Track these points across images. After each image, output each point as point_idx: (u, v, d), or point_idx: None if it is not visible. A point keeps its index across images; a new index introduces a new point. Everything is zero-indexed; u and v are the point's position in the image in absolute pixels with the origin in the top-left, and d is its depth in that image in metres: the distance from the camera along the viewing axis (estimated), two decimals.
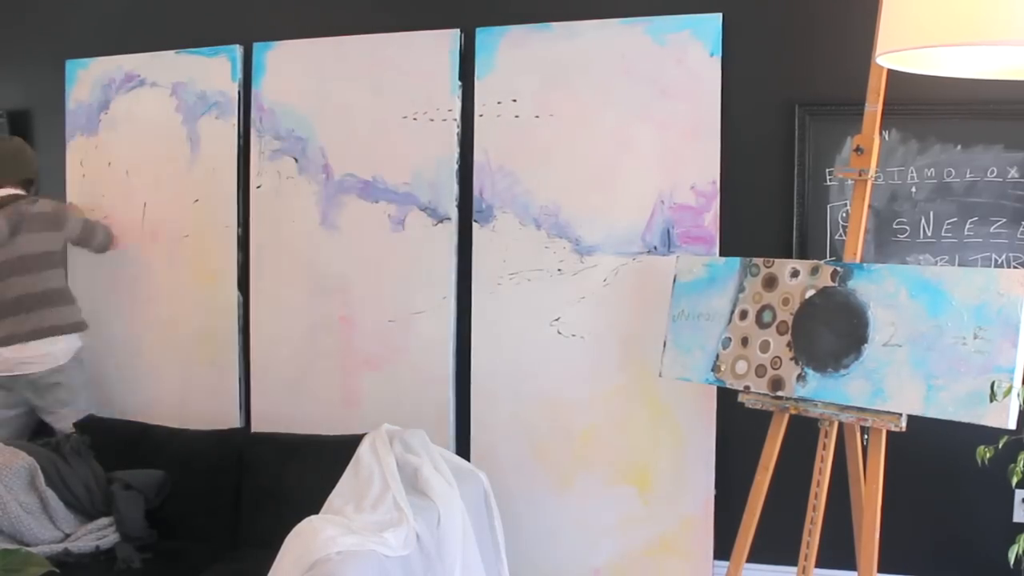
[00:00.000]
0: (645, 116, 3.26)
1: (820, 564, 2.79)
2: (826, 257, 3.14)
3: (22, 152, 3.67)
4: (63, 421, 3.54)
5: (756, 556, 2.94)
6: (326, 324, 3.60)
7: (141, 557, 2.97)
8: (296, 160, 3.62)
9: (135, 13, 3.87)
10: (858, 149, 2.73)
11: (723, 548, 3.11)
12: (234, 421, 3.68)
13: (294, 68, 3.62)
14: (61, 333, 3.53)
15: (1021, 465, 2.21)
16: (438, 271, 3.47)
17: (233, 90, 3.69)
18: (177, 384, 3.78)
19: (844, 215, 3.13)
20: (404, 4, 3.57)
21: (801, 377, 2.66)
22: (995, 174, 3.01)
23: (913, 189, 3.08)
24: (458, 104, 3.44)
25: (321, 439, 3.27)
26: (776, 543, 3.03)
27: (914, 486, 3.08)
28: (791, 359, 2.70)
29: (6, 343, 3.46)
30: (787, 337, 2.73)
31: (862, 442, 2.70)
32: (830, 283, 2.67)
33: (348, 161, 3.56)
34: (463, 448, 3.47)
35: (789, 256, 3.17)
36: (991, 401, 2.26)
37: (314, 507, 2.75)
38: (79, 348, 3.60)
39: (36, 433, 3.64)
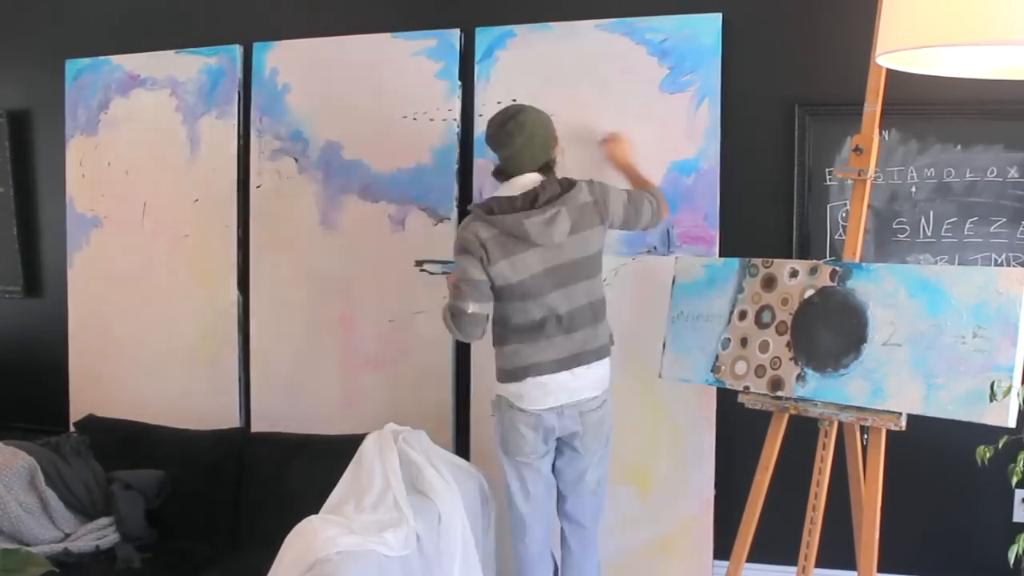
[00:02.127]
0: (645, 116, 3.26)
1: (820, 564, 2.79)
2: (826, 257, 3.14)
3: (550, 130, 2.85)
4: (589, 470, 2.89)
5: (756, 556, 2.94)
6: (326, 324, 3.60)
7: (141, 557, 2.97)
8: (296, 160, 3.62)
9: (135, 13, 3.87)
10: (857, 149, 2.73)
11: (723, 548, 3.11)
12: (234, 421, 3.68)
13: (294, 68, 3.62)
14: (607, 354, 2.88)
15: (1021, 465, 2.21)
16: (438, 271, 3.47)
17: (233, 90, 3.69)
18: (177, 384, 3.78)
19: (844, 215, 3.13)
20: (404, 4, 3.57)
21: (800, 377, 2.66)
22: (995, 174, 3.01)
23: (913, 189, 3.08)
24: (458, 104, 3.44)
25: (321, 439, 3.27)
26: (776, 543, 3.03)
27: (914, 486, 3.08)
28: (790, 359, 2.70)
29: (557, 368, 2.78)
30: (786, 337, 2.73)
31: (862, 442, 2.70)
32: (829, 283, 2.67)
33: (348, 161, 3.56)
34: (463, 448, 3.47)
35: (789, 256, 3.17)
36: (991, 400, 2.26)
37: (314, 507, 2.75)
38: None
39: None
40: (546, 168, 2.83)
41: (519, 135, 2.76)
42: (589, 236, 2.79)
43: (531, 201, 2.74)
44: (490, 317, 2.85)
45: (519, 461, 2.87)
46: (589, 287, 2.82)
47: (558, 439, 2.89)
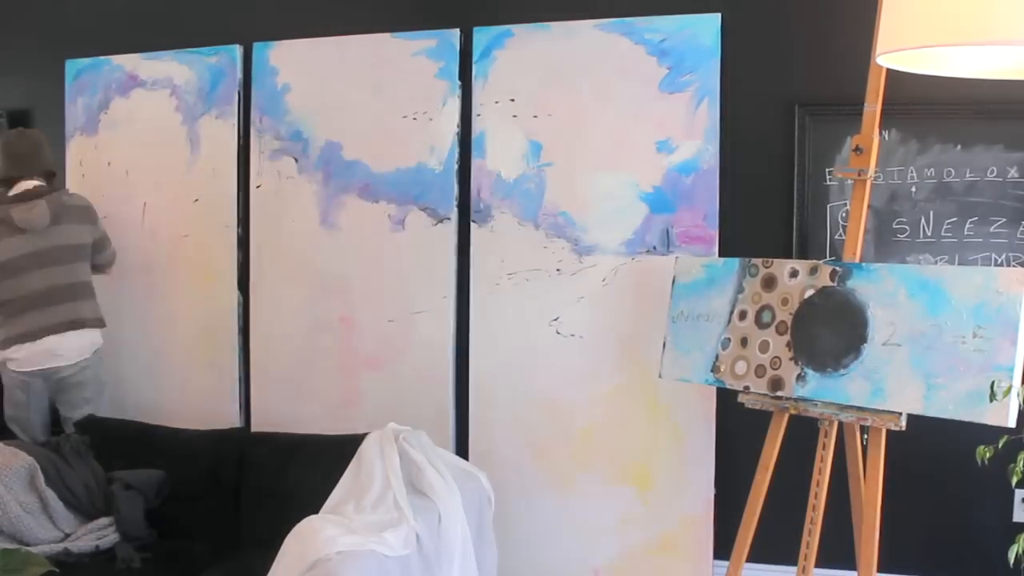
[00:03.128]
0: (644, 116, 3.26)
1: (820, 564, 2.79)
2: (826, 257, 3.14)
3: (45, 144, 3.59)
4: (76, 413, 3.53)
5: (756, 556, 2.94)
6: (326, 324, 3.60)
7: (141, 557, 2.96)
8: (296, 160, 3.62)
9: (135, 13, 3.87)
10: (857, 149, 2.73)
11: (723, 548, 3.11)
12: (234, 421, 3.68)
13: (294, 68, 3.62)
14: (88, 327, 3.50)
15: (1021, 465, 2.20)
16: (438, 271, 3.47)
17: (233, 90, 3.69)
18: (177, 384, 3.78)
19: (844, 215, 3.13)
20: (404, 4, 3.57)
21: (801, 377, 2.66)
22: (995, 174, 3.01)
23: (913, 189, 3.08)
24: (457, 104, 3.44)
25: (321, 439, 3.27)
26: (776, 543, 3.03)
27: (914, 486, 3.07)
28: (790, 359, 2.70)
29: (35, 337, 3.42)
30: (786, 337, 2.72)
31: (862, 442, 2.70)
32: (829, 283, 2.67)
33: (348, 161, 3.56)
34: (463, 448, 3.47)
35: (789, 256, 3.17)
36: (991, 400, 2.26)
37: (314, 507, 2.75)
38: (100, 344, 3.57)
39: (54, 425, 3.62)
40: (48, 175, 3.54)
41: (33, 147, 3.53)
42: (72, 230, 3.48)
43: (20, 196, 3.44)
44: None
45: (10, 415, 3.55)
46: (72, 270, 3.48)
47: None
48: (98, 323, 3.56)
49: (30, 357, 3.42)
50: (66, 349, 3.46)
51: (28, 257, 3.41)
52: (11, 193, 3.47)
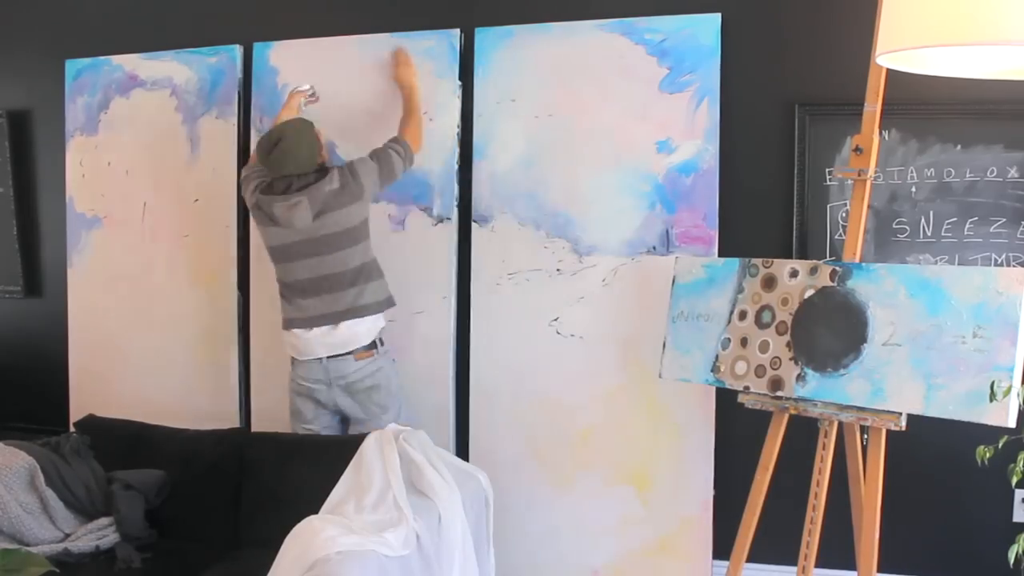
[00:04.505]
0: (644, 116, 3.26)
1: (820, 564, 2.79)
2: (826, 257, 3.14)
3: (303, 142, 3.16)
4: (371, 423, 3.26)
5: (756, 556, 2.94)
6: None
7: (141, 557, 2.97)
8: None
9: (135, 13, 3.88)
10: (857, 149, 2.73)
11: (723, 548, 3.11)
12: (234, 421, 3.68)
13: (294, 68, 3.62)
14: (367, 314, 3.21)
15: (1021, 465, 2.21)
16: (438, 271, 3.47)
17: (233, 90, 3.69)
18: (177, 384, 3.78)
19: (844, 215, 3.13)
20: (404, 4, 3.57)
21: (800, 377, 2.66)
22: (995, 174, 3.01)
23: (913, 189, 3.08)
24: (458, 104, 3.44)
25: (321, 439, 3.27)
26: (776, 543, 3.03)
27: (914, 486, 3.08)
28: (790, 359, 2.70)
29: (310, 325, 3.19)
30: (786, 337, 2.73)
31: (862, 442, 2.70)
32: (829, 283, 2.67)
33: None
34: (463, 448, 3.47)
35: (789, 256, 3.17)
36: (991, 400, 2.26)
37: (314, 507, 2.75)
38: (382, 328, 3.27)
39: None
40: (318, 170, 3.19)
41: (286, 162, 3.13)
42: (340, 216, 3.14)
43: (285, 187, 3.16)
44: None
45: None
46: (343, 256, 3.17)
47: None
48: (378, 307, 3.24)
49: (305, 346, 3.23)
50: (340, 338, 3.19)
51: (297, 245, 3.17)
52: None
